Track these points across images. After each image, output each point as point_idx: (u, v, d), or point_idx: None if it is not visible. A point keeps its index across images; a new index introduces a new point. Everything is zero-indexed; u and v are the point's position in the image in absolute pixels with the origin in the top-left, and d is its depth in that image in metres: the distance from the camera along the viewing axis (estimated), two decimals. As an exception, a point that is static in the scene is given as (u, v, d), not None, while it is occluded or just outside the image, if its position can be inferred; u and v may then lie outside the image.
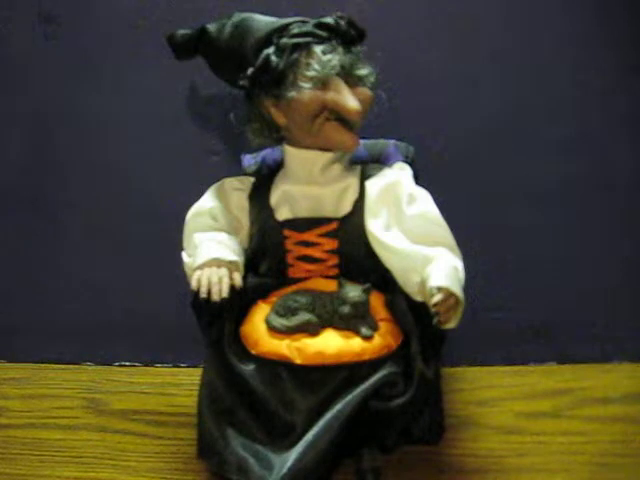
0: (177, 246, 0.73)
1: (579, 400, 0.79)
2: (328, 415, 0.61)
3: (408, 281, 0.66)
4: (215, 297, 0.64)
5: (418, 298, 0.65)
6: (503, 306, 0.86)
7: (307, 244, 0.70)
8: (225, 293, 0.64)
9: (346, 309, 0.65)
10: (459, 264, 0.65)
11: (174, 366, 0.87)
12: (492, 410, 0.78)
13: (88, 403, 0.83)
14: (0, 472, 0.74)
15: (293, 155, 0.72)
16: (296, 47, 0.66)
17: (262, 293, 0.71)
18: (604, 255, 0.86)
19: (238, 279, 0.66)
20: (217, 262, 0.66)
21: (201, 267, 0.66)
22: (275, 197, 0.72)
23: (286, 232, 0.70)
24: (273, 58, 0.66)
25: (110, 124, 0.92)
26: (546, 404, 0.79)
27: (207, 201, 0.73)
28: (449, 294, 0.60)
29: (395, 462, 0.71)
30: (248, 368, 0.65)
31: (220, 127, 0.89)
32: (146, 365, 0.88)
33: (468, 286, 0.64)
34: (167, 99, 0.90)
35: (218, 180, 0.76)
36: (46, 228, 0.92)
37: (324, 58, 0.65)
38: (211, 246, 0.68)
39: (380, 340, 0.65)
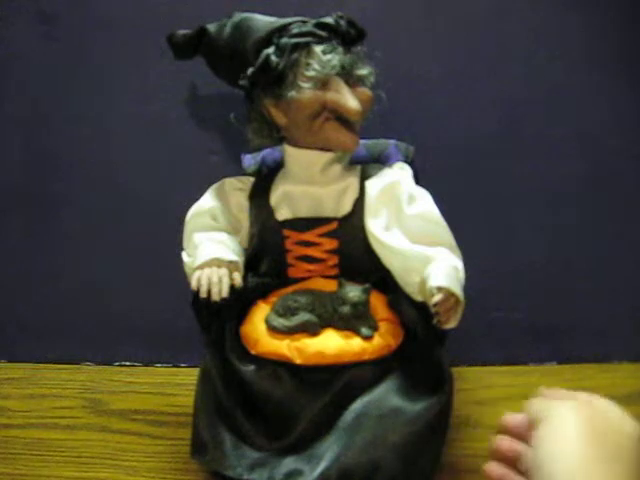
0: (177, 246, 0.73)
1: (579, 400, 0.79)
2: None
3: (408, 281, 0.66)
4: (215, 297, 0.64)
5: (418, 298, 0.65)
6: (503, 306, 0.86)
7: (307, 244, 0.70)
8: (225, 293, 0.64)
9: (346, 309, 0.65)
10: (459, 264, 0.65)
11: (174, 366, 0.87)
12: (492, 410, 0.78)
13: (88, 403, 0.82)
14: (0, 472, 0.74)
15: (293, 155, 0.72)
16: (296, 47, 0.65)
17: (262, 293, 0.71)
18: (604, 255, 0.86)
19: (238, 279, 0.66)
20: (217, 262, 0.66)
21: (201, 267, 0.66)
22: (275, 197, 0.72)
23: (286, 232, 0.70)
24: (273, 58, 0.66)
25: (110, 124, 0.92)
26: (546, 404, 0.79)
27: (207, 201, 0.73)
28: (449, 294, 0.60)
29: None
30: (248, 368, 0.65)
31: (220, 127, 0.89)
32: (146, 365, 0.88)
33: (468, 286, 0.64)
34: (167, 99, 0.90)
35: (218, 180, 0.76)
36: (46, 228, 0.92)
37: (324, 58, 0.65)
38: (211, 246, 0.68)
39: (380, 340, 0.65)
